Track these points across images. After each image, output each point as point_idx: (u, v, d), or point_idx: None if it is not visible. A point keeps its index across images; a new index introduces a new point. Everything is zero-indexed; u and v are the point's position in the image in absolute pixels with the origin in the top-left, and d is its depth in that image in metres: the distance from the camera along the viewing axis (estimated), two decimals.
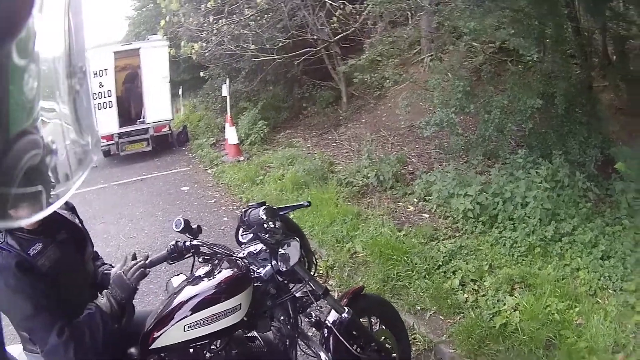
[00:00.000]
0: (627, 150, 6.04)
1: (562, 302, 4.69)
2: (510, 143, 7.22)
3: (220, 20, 11.55)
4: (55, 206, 0.71)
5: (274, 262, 2.94)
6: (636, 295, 4.72)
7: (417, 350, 4.53)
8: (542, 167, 6.24)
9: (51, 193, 0.71)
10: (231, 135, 12.25)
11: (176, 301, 2.72)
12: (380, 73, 10.51)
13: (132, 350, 2.71)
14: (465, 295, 5.19)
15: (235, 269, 2.86)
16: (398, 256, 5.84)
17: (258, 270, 2.97)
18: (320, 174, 8.82)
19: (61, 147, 0.73)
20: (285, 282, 3.07)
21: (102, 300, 2.54)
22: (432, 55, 10.88)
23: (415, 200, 7.49)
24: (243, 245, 3.15)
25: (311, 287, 3.12)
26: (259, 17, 11.52)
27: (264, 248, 3.01)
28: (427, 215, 7.07)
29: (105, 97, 14.73)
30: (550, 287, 4.89)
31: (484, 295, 5.12)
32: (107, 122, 14.12)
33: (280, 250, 2.94)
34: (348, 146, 10.50)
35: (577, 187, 6.12)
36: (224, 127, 13.16)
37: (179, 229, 2.89)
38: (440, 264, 5.71)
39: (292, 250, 2.97)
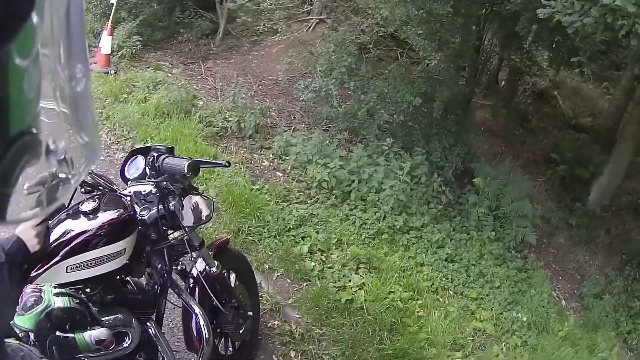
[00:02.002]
0: (490, 169, 6.47)
1: (406, 292, 4.95)
2: (375, 127, 7.38)
3: None
4: (55, 206, 0.71)
5: (160, 206, 2.77)
6: (476, 303, 5.07)
7: (263, 309, 4.50)
8: (406, 161, 6.46)
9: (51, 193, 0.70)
10: (106, 45, 11.12)
11: (55, 235, 2.46)
12: (264, 20, 10.31)
13: None
14: (313, 264, 5.23)
15: (122, 210, 2.67)
16: (251, 210, 5.73)
17: (142, 213, 2.77)
18: (184, 107, 8.45)
19: (61, 148, 0.70)
20: (165, 228, 2.89)
21: None
22: (320, 19, 10.91)
23: (271, 156, 7.43)
24: (130, 182, 2.95)
25: (189, 237, 2.97)
26: None
27: (154, 190, 2.81)
28: (281, 175, 7.04)
29: None
30: (396, 274, 5.10)
31: (330, 268, 5.22)
32: None
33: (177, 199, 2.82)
34: (212, 83, 10.20)
35: (432, 188, 6.48)
36: (99, 34, 11.87)
37: None
38: (291, 227, 5.68)
39: (194, 206, 2.93)
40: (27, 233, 2.23)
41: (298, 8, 11.67)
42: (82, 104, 0.74)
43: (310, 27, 11.09)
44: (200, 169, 2.91)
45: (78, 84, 0.73)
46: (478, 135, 7.89)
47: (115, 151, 7.25)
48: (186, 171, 2.70)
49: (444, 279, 5.35)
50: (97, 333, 2.43)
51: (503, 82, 8.84)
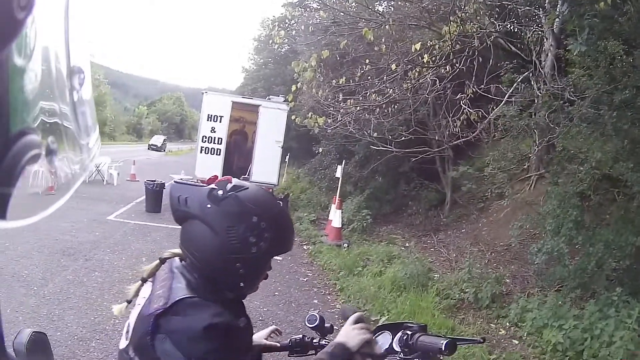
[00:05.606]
0: None
1: None
2: (604, 278, 7.22)
3: (349, 101, 11.49)
4: (55, 207, 0.72)
5: None
6: None
7: None
8: (634, 308, 6.31)
9: (51, 193, 0.73)
10: (336, 218, 12.18)
11: None
12: (487, 185, 10.71)
13: None
14: None
15: None
16: None
17: None
18: (420, 280, 8.82)
19: (61, 147, 0.73)
20: None
21: None
22: (539, 175, 11.06)
23: (507, 324, 7.53)
24: None
25: None
26: (384, 106, 11.42)
27: None
28: (517, 342, 7.10)
29: (214, 143, 15.15)
30: None
31: None
32: (211, 167, 13.85)
33: None
34: (446, 254, 10.65)
35: None
36: (327, 206, 13.20)
37: (313, 326, 2.71)
38: None
39: None
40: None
41: (517, 167, 11.89)
42: (82, 104, 0.79)
43: (531, 185, 11.22)
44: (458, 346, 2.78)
45: (78, 83, 0.77)
46: None
47: None
48: (444, 349, 2.56)
49: None
50: None
51: None
